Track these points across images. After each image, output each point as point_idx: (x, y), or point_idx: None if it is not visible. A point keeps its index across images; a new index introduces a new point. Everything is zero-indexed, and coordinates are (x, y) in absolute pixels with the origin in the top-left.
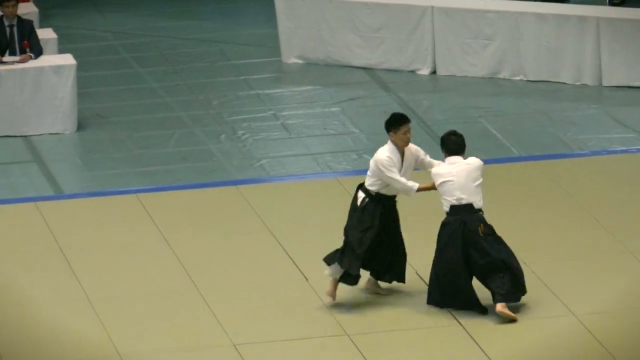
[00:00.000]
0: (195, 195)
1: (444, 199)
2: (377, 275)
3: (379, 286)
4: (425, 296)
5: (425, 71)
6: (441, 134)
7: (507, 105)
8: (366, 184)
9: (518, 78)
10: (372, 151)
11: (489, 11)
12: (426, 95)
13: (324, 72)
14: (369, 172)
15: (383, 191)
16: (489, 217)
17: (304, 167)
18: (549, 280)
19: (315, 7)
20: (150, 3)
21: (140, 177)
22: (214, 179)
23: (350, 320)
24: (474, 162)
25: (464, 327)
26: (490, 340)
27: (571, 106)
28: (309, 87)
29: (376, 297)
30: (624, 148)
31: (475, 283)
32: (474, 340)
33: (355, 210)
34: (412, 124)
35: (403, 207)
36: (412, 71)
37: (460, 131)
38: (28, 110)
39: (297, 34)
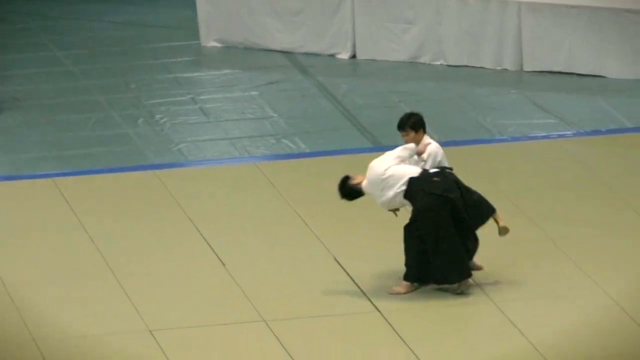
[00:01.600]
0: (113, 179)
1: None
2: None
3: None
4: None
5: (345, 55)
6: (360, 118)
7: (428, 90)
8: None
9: (438, 63)
10: (291, 135)
11: None
12: (346, 79)
13: (243, 55)
14: None
15: None
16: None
17: (222, 152)
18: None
19: None
20: None
21: (57, 161)
22: (132, 163)
23: (267, 306)
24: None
25: (381, 314)
26: (408, 327)
27: (492, 91)
28: (227, 71)
29: (297, 283)
30: (545, 134)
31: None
32: (392, 327)
33: None
34: (331, 109)
35: None
36: (332, 55)
37: (380, 116)
38: None
39: (217, 16)
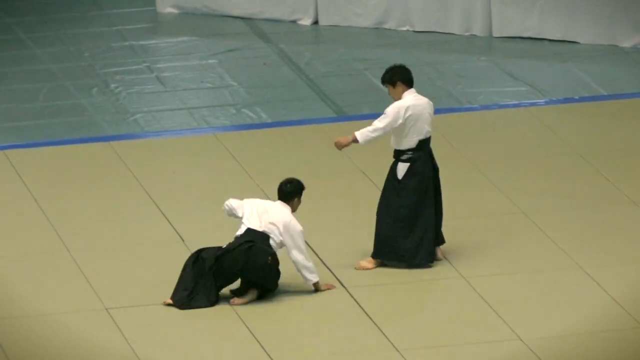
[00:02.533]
0: (66, 151)
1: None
2: None
3: None
4: None
5: (307, 21)
6: (324, 87)
7: (394, 57)
8: None
9: (405, 28)
10: (252, 105)
11: None
12: (308, 46)
13: (201, 22)
14: None
15: None
16: (374, 177)
17: (180, 122)
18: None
19: None
20: None
21: (8, 133)
22: (86, 134)
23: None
24: None
25: (346, 290)
26: (375, 303)
27: (460, 58)
28: (185, 38)
29: None
30: (516, 102)
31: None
32: (357, 303)
33: None
34: (293, 77)
35: None
36: (294, 21)
37: (344, 84)
38: None
39: None
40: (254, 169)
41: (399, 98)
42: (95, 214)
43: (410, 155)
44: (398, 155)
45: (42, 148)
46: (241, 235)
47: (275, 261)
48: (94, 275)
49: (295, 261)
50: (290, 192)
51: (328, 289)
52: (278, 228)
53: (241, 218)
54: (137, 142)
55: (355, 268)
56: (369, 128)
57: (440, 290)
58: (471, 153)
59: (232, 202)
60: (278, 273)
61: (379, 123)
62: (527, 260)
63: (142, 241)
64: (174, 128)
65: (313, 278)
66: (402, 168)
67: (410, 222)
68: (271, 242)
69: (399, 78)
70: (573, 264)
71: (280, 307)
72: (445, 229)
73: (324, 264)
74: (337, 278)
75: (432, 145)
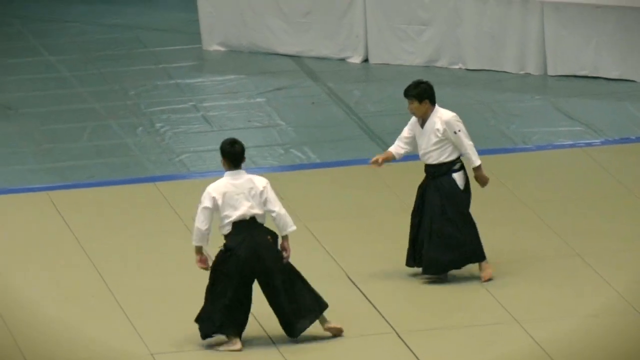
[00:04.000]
0: (110, 192)
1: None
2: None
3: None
4: None
5: (356, 59)
6: (374, 126)
7: (445, 96)
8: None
9: (457, 67)
10: (300, 145)
11: None
12: (357, 85)
13: (248, 60)
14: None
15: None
16: None
17: None
18: (491, 283)
19: None
20: None
21: (51, 173)
22: (130, 175)
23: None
24: None
25: (398, 335)
26: (424, 348)
27: (514, 97)
28: (231, 77)
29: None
30: (571, 142)
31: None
32: (410, 350)
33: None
34: (342, 116)
35: None
36: (343, 59)
37: (394, 124)
38: None
39: (219, 18)
40: (302, 210)
41: (422, 115)
42: (139, 256)
43: (460, 163)
44: (450, 166)
45: (86, 189)
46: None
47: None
48: (139, 319)
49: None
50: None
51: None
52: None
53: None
54: (183, 182)
55: (484, 281)
56: (471, 147)
57: (490, 334)
58: (525, 194)
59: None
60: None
61: (467, 139)
62: (583, 303)
63: (187, 284)
64: (220, 169)
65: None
66: (459, 177)
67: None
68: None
69: (428, 96)
70: (629, 307)
71: (331, 351)
72: (504, 270)
73: (375, 307)
74: (387, 321)
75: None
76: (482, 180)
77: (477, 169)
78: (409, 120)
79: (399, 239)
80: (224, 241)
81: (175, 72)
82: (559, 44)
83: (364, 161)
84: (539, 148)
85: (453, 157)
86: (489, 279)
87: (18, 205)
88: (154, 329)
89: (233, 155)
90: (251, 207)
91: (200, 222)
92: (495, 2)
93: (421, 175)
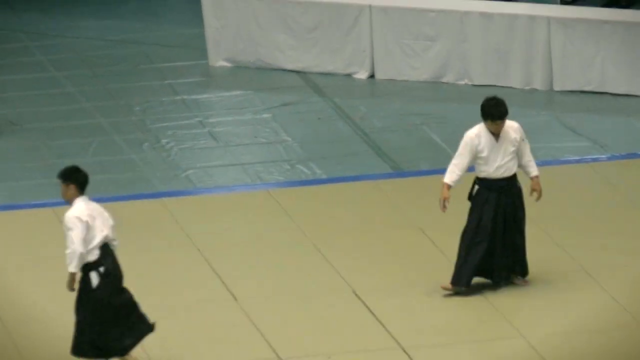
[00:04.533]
0: (116, 208)
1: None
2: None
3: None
4: None
5: (362, 75)
6: (380, 142)
7: (452, 112)
8: None
9: (463, 82)
10: (306, 161)
11: (431, 10)
12: (364, 100)
13: (254, 75)
14: None
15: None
16: (431, 233)
17: (233, 178)
18: (498, 300)
19: (244, 5)
20: (66, 0)
21: (57, 189)
22: (136, 191)
23: (283, 343)
24: None
25: (404, 350)
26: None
27: (520, 112)
28: (238, 92)
29: (314, 319)
30: (577, 157)
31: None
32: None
33: None
34: (348, 132)
35: None
36: (349, 75)
37: (401, 140)
38: None
39: (226, 34)
40: (308, 226)
41: (497, 131)
42: (145, 271)
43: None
44: (516, 176)
45: None
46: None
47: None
48: (147, 337)
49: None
50: None
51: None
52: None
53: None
54: (189, 198)
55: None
56: (532, 158)
57: (500, 348)
58: (531, 209)
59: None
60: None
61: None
62: (590, 318)
63: (194, 300)
64: (226, 184)
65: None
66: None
67: None
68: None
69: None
70: (636, 323)
71: None
72: (505, 287)
73: (381, 323)
74: (392, 336)
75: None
76: (538, 189)
77: (535, 178)
78: (414, 137)
79: (405, 255)
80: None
81: (181, 87)
82: (565, 60)
83: (369, 177)
84: (545, 163)
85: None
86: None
87: (24, 220)
88: (159, 347)
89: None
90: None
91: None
92: (501, 17)
93: (428, 190)
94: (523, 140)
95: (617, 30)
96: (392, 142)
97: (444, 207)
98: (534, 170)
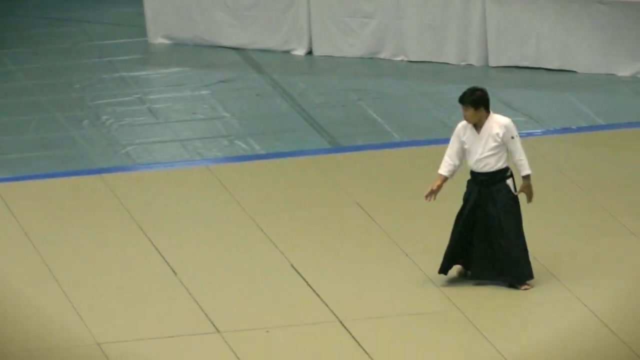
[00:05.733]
0: (57, 185)
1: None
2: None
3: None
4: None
5: (300, 51)
6: (318, 118)
7: (388, 87)
8: None
9: (399, 58)
10: (245, 136)
11: None
12: (302, 77)
13: (193, 53)
14: None
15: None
16: (369, 208)
17: (172, 154)
18: (435, 276)
19: None
20: None
21: (3, 165)
22: (76, 167)
23: (222, 316)
24: None
25: (342, 324)
26: (371, 337)
27: (456, 88)
28: (177, 69)
29: (252, 292)
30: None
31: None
32: (353, 338)
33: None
34: (287, 108)
35: None
36: (287, 51)
37: (338, 115)
38: None
39: (164, 12)
40: (247, 201)
41: (477, 121)
42: (86, 247)
43: (510, 171)
44: (504, 173)
45: (32, 181)
46: None
47: None
48: (85, 310)
49: None
50: None
51: None
52: None
53: None
54: (129, 174)
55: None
56: (524, 157)
57: (439, 320)
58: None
59: None
60: None
61: (522, 148)
62: (530, 295)
63: (134, 274)
64: (165, 160)
65: None
66: (512, 184)
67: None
68: None
69: (483, 103)
70: (578, 302)
71: (274, 340)
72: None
73: (320, 297)
74: (331, 310)
75: (428, 175)
76: (529, 191)
77: (526, 178)
78: (351, 112)
79: (343, 230)
80: None
81: (120, 65)
82: (500, 35)
83: (308, 152)
84: None
85: (506, 164)
86: (526, 289)
87: None
88: (100, 321)
89: None
90: None
91: None
92: None
93: (365, 165)
94: (512, 137)
95: (552, 6)
96: (330, 117)
97: (428, 195)
98: (523, 170)
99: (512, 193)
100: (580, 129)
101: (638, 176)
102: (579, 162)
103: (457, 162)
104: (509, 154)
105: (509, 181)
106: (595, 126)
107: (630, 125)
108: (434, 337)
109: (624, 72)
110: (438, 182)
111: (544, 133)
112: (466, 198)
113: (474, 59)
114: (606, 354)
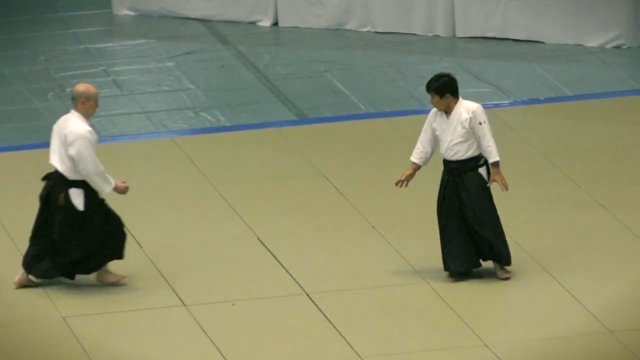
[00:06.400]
0: (22, 157)
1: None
2: None
3: None
4: None
5: (266, 22)
6: (284, 89)
7: (355, 59)
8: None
9: (366, 29)
10: (210, 108)
11: None
12: (268, 48)
13: (158, 24)
14: None
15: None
16: (336, 180)
17: (138, 127)
18: (409, 251)
19: None
20: None
21: None
22: (42, 140)
23: (188, 289)
24: None
25: (309, 296)
26: (337, 309)
27: (423, 59)
28: (141, 41)
29: (219, 264)
30: (480, 103)
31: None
32: (319, 310)
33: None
34: (252, 80)
35: None
36: (252, 22)
37: (304, 87)
38: None
39: None
40: (213, 173)
41: (445, 108)
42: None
43: (484, 158)
44: (477, 161)
45: None
46: None
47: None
48: (50, 284)
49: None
50: None
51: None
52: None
53: None
54: None
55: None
56: (492, 144)
57: (405, 293)
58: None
59: None
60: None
61: (490, 135)
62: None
63: None
64: (131, 132)
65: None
66: (484, 173)
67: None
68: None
69: (449, 90)
70: (541, 270)
71: (240, 313)
72: (409, 231)
73: (286, 269)
74: (298, 283)
75: (394, 146)
76: (500, 178)
77: (495, 165)
78: (318, 84)
79: (309, 202)
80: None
81: (85, 36)
82: (467, 6)
83: (273, 124)
84: None
85: (478, 151)
86: (506, 278)
87: None
88: (66, 295)
89: None
90: None
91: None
92: None
93: (332, 137)
94: (480, 123)
95: None
96: (296, 89)
97: (398, 183)
98: (491, 157)
99: (484, 181)
100: (547, 100)
101: (605, 147)
102: (546, 132)
103: (429, 149)
104: (479, 140)
105: (482, 170)
106: (563, 97)
107: (597, 95)
108: (401, 309)
109: (592, 42)
110: (409, 171)
111: (511, 104)
112: (441, 190)
113: (441, 30)
114: (580, 331)
